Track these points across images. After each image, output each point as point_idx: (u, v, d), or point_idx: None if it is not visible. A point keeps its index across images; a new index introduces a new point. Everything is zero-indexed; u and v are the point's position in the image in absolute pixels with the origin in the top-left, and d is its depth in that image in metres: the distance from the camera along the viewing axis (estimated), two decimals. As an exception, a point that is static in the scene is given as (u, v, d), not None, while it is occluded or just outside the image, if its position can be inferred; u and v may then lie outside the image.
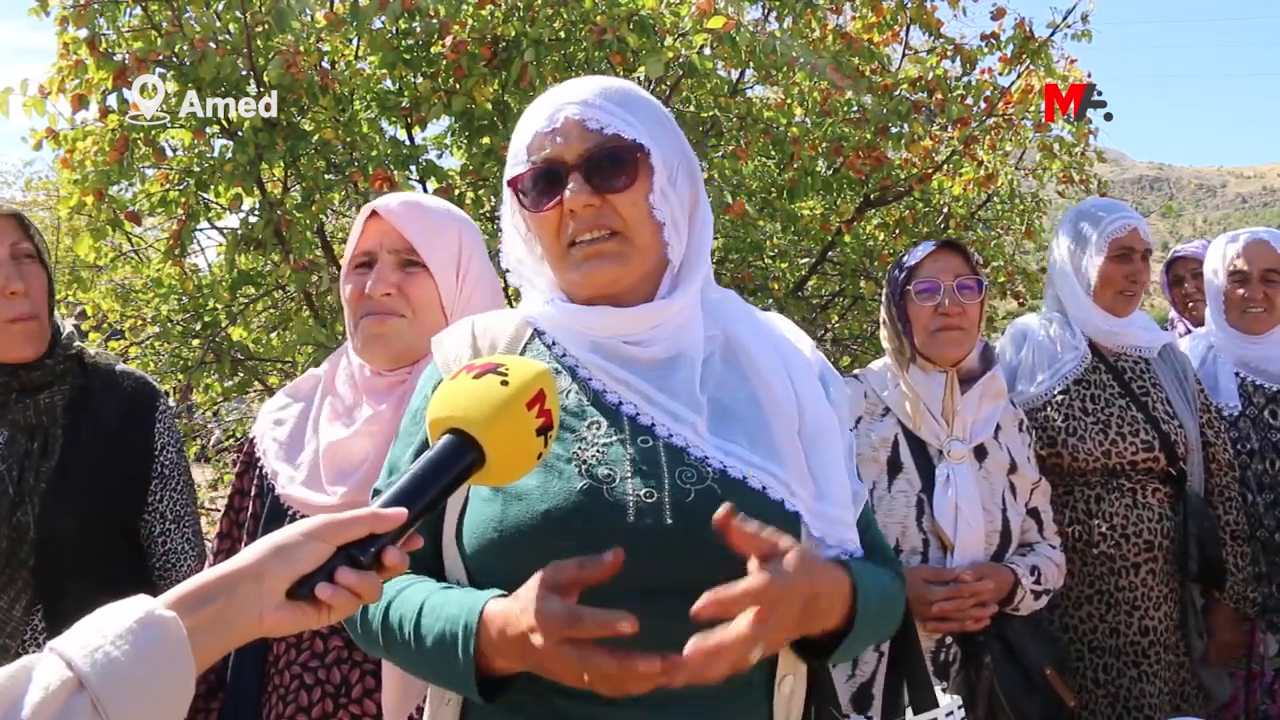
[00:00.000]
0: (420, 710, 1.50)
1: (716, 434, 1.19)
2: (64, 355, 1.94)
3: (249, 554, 0.92)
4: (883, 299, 2.28)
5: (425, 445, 1.20)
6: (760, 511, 1.15)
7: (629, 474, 1.16)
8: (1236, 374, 2.68)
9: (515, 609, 1.05)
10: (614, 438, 1.19)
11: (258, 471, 1.76)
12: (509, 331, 1.32)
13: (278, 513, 1.69)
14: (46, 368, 1.91)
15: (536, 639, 1.02)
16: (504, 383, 1.02)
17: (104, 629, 0.82)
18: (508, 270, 1.36)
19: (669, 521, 1.13)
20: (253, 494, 1.76)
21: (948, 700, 1.26)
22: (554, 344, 1.29)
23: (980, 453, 2.14)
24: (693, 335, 1.26)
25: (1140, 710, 2.34)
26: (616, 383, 1.23)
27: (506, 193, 1.29)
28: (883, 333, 2.27)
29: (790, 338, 1.33)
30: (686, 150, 1.30)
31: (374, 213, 1.67)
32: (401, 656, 1.20)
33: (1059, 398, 2.46)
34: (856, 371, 2.33)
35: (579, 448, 1.18)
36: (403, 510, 0.95)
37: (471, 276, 1.72)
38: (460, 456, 1.00)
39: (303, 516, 1.62)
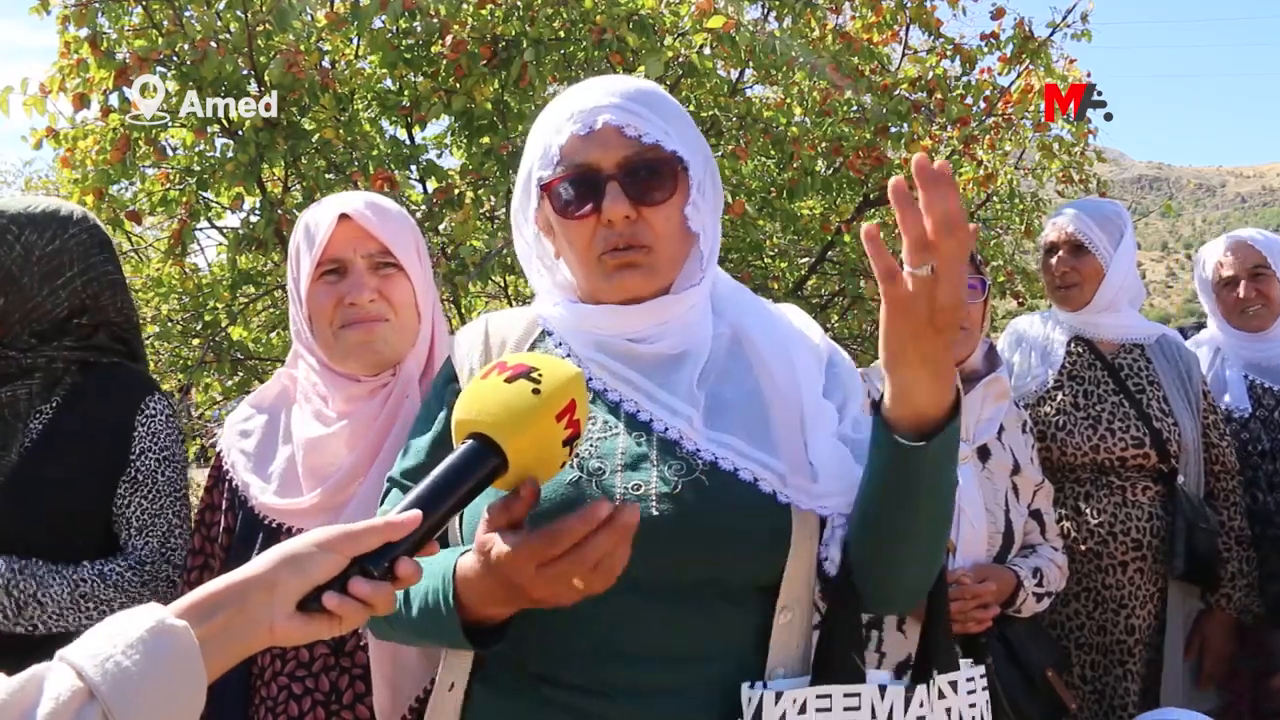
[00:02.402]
0: (413, 711, 1.50)
1: (713, 427, 1.19)
2: (39, 352, 1.92)
3: (260, 563, 0.91)
4: None
5: (443, 438, 1.22)
6: (750, 503, 1.16)
7: (619, 467, 1.17)
8: (1245, 377, 2.67)
9: (479, 565, 1.04)
10: (609, 433, 1.20)
11: (227, 485, 1.73)
12: (519, 330, 1.33)
13: (252, 524, 1.66)
14: (11, 360, 1.87)
15: (519, 577, 1.00)
16: (536, 390, 0.98)
17: (115, 638, 0.81)
18: (525, 265, 1.36)
19: (654, 512, 1.13)
20: (224, 508, 1.73)
21: (971, 669, 1.26)
22: (560, 344, 1.29)
23: (983, 453, 2.14)
24: (700, 333, 1.26)
25: (1124, 709, 2.34)
26: (618, 381, 1.23)
27: (531, 192, 1.27)
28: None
29: (799, 328, 1.33)
30: (709, 153, 1.29)
31: (342, 216, 1.61)
32: (401, 630, 1.21)
33: (1053, 393, 2.48)
34: (860, 370, 2.32)
35: None
36: (416, 513, 0.94)
37: (428, 272, 1.70)
38: (482, 463, 0.98)
39: (279, 525, 1.61)
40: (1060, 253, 2.52)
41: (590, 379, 1.24)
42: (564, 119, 1.22)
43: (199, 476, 5.25)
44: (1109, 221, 2.48)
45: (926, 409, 1.06)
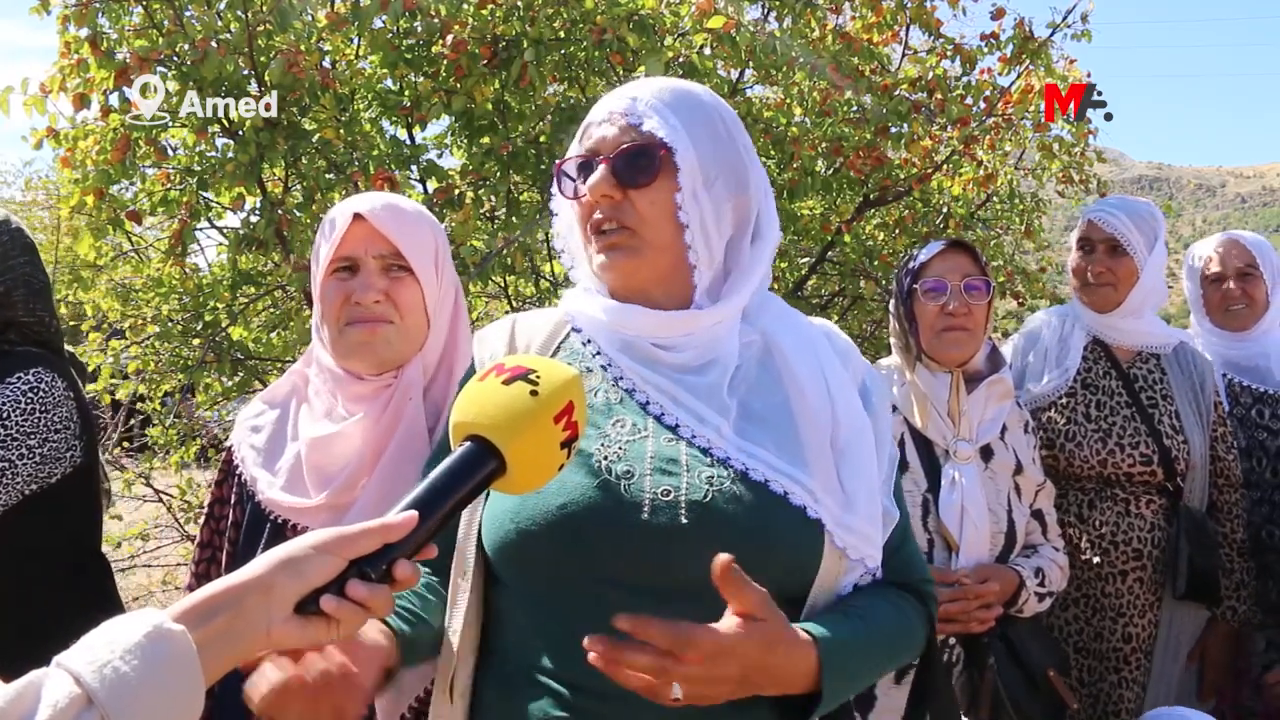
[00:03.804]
0: (413, 710, 1.50)
1: (742, 437, 1.19)
2: None
3: (257, 566, 0.91)
4: (891, 297, 2.28)
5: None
6: (781, 516, 1.15)
7: (648, 471, 1.17)
8: (1224, 375, 2.67)
9: None
10: (637, 436, 1.20)
11: (237, 479, 1.75)
12: (545, 331, 1.35)
13: (259, 519, 1.67)
14: None
15: None
16: (533, 392, 0.99)
17: (112, 643, 0.81)
18: (562, 252, 1.37)
19: (684, 520, 1.13)
20: (233, 502, 1.75)
21: None
22: (589, 341, 1.30)
23: (986, 453, 2.14)
24: (728, 345, 1.26)
25: (1116, 715, 2.35)
26: (645, 382, 1.24)
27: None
28: (891, 331, 2.27)
29: (832, 345, 1.32)
30: (737, 161, 1.28)
31: (356, 216, 1.63)
32: None
33: (1064, 400, 2.45)
34: None
35: (601, 444, 1.19)
36: (413, 514, 0.94)
37: (446, 277, 1.70)
38: (480, 465, 0.98)
39: (284, 521, 1.63)
40: (1097, 251, 2.47)
41: (620, 378, 1.25)
42: (593, 110, 1.29)
43: (199, 477, 5.24)
44: (1145, 223, 2.44)
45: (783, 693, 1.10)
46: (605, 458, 1.17)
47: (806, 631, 1.11)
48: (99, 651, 0.80)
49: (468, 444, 0.99)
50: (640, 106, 1.24)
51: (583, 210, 1.28)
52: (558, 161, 1.30)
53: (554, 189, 1.33)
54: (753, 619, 1.04)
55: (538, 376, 1.00)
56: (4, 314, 1.99)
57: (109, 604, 2.11)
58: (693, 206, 1.23)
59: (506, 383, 1.00)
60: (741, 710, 1.12)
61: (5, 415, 1.89)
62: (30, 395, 1.92)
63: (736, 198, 1.28)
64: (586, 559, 1.13)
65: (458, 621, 1.26)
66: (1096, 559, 2.37)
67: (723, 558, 1.02)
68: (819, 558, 1.16)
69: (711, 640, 1.01)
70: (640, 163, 1.22)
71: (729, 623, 1.03)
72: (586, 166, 1.26)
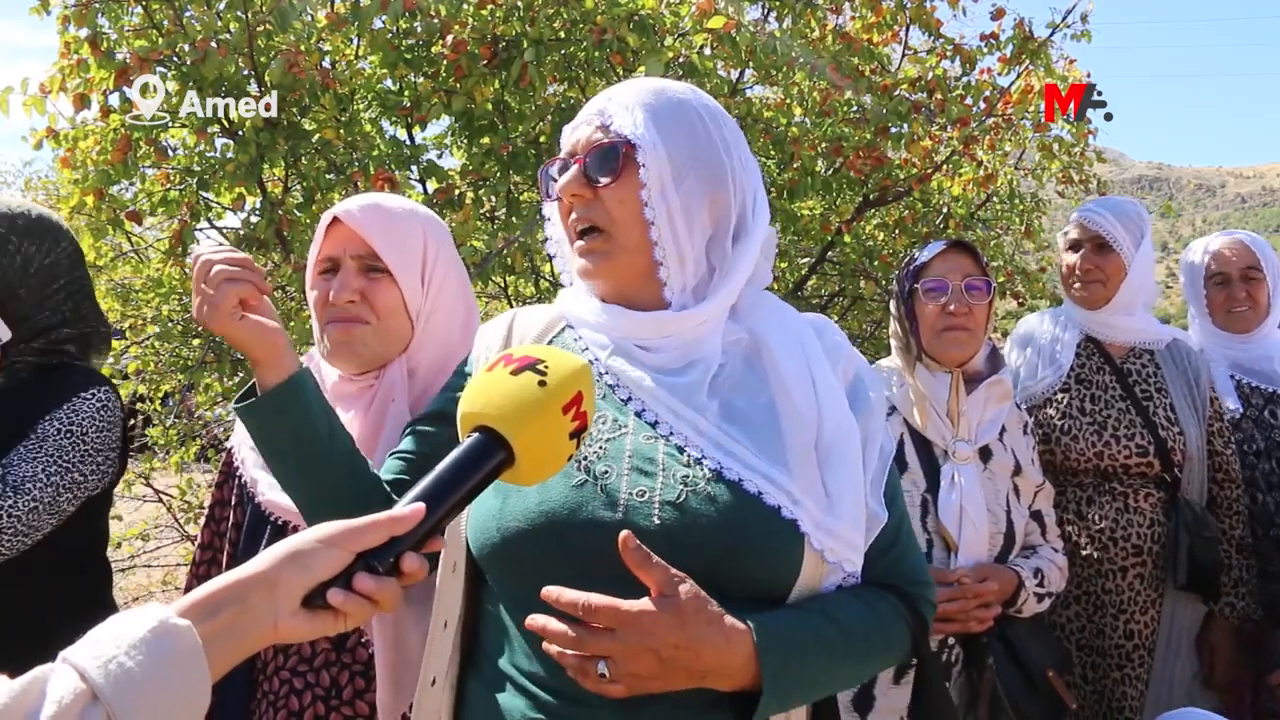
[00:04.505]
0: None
1: (721, 436, 1.18)
2: (16, 354, 1.94)
3: (263, 560, 0.91)
4: (892, 296, 2.29)
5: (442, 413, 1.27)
6: (754, 517, 1.14)
7: (626, 470, 1.16)
8: (1231, 376, 2.67)
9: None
10: (618, 433, 1.20)
11: (237, 481, 1.75)
12: (541, 325, 1.35)
13: (259, 520, 1.68)
14: None
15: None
16: (542, 383, 0.98)
17: (118, 639, 0.81)
18: (555, 256, 1.38)
19: (656, 520, 1.13)
20: (233, 503, 1.75)
21: None
22: (579, 339, 1.31)
23: (985, 454, 2.14)
24: (710, 345, 1.25)
25: (1120, 712, 2.35)
26: (627, 379, 1.23)
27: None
28: (891, 331, 2.27)
29: (821, 343, 1.30)
30: (715, 158, 1.26)
31: (335, 219, 1.63)
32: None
33: (1059, 396, 2.46)
34: None
35: (584, 443, 1.19)
36: (420, 506, 0.93)
37: (438, 277, 1.68)
38: (488, 456, 0.97)
39: (285, 523, 1.64)
40: (1084, 250, 2.50)
41: (604, 374, 1.25)
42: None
43: (200, 477, 5.25)
44: (1131, 220, 2.47)
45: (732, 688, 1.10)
46: (586, 457, 1.18)
47: (746, 620, 1.09)
48: (104, 647, 0.80)
49: (475, 435, 0.98)
50: (611, 107, 1.26)
51: (562, 211, 1.30)
52: (543, 164, 1.32)
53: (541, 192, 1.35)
54: (662, 596, 1.05)
55: (546, 366, 0.99)
56: (76, 327, 1.99)
57: (103, 606, 2.12)
58: (659, 203, 1.22)
59: (515, 373, 0.99)
60: (702, 712, 1.12)
61: (84, 431, 1.91)
62: (102, 413, 1.94)
63: (713, 194, 1.25)
64: (566, 560, 1.13)
65: (446, 615, 1.26)
66: (1096, 554, 2.37)
67: (625, 534, 1.04)
68: (797, 559, 1.15)
69: (612, 608, 1.03)
70: (606, 160, 1.24)
71: (639, 599, 1.05)
72: (564, 168, 1.28)
